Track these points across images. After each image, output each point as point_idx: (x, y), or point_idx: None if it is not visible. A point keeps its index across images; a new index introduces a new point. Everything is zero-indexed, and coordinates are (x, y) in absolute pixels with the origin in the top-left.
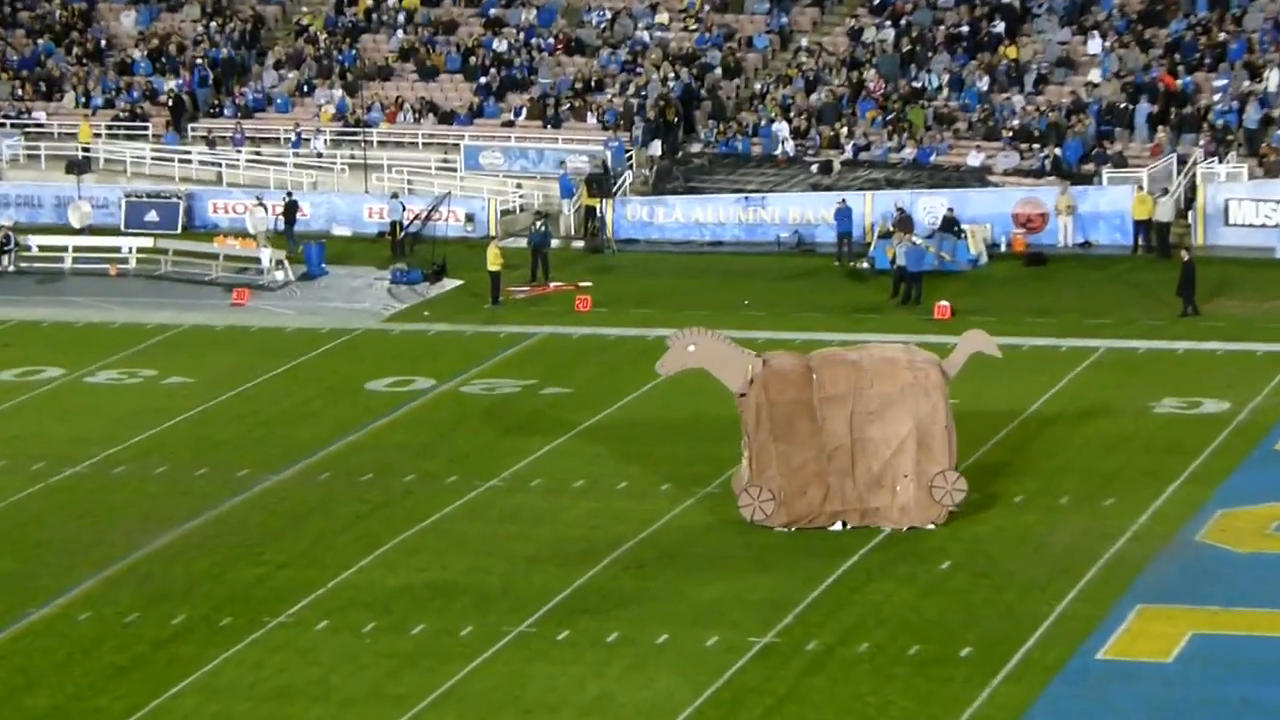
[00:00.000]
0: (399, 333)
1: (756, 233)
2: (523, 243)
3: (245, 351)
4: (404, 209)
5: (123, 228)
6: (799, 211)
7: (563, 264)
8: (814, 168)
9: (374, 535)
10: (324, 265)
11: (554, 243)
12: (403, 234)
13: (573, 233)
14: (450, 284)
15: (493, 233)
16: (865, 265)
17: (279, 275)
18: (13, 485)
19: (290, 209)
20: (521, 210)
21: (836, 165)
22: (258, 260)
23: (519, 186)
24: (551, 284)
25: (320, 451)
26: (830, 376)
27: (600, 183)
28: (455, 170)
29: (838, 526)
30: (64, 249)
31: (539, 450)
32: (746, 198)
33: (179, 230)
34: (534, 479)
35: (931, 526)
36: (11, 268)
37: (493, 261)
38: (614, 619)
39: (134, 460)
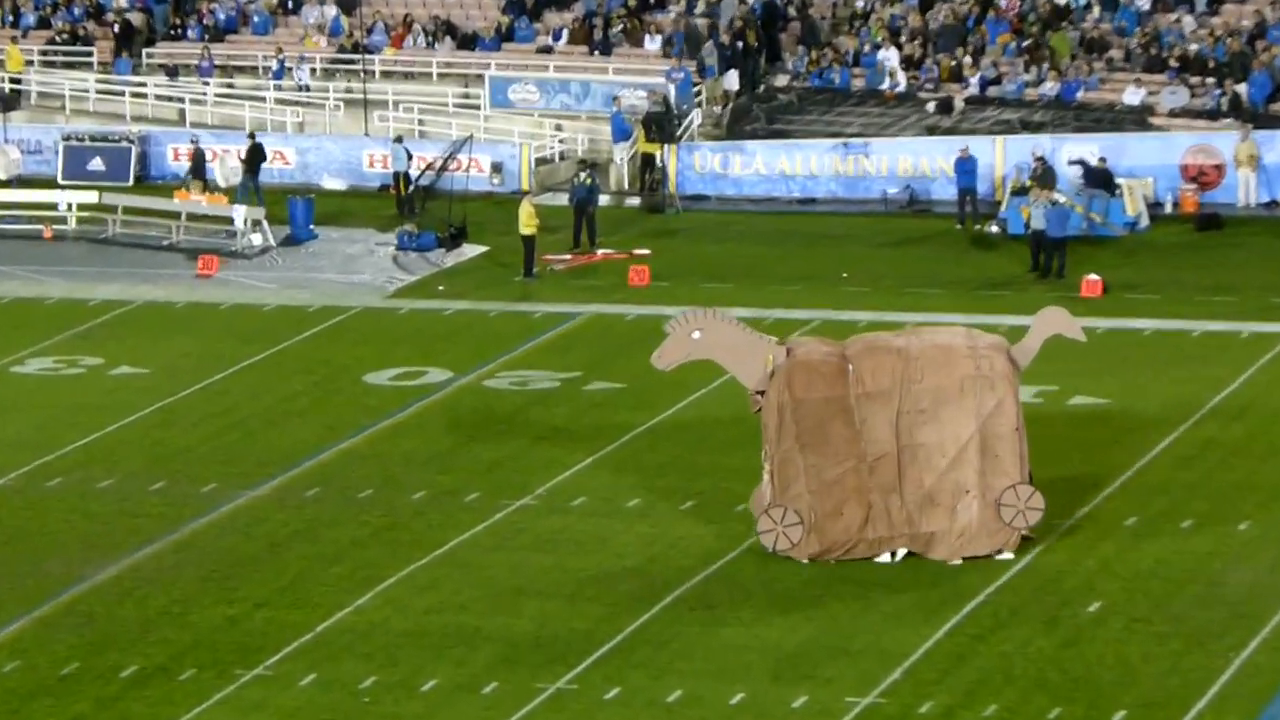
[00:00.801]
0: (406, 311)
1: (857, 188)
2: (564, 199)
3: (213, 335)
4: (411, 157)
5: (60, 179)
6: (911, 161)
7: (613, 226)
8: (930, 106)
9: (375, 567)
10: (312, 227)
11: (603, 199)
12: (411, 188)
13: (626, 187)
14: (471, 251)
15: (526, 187)
16: (994, 229)
17: (256, 239)
18: None
19: (255, 154)
20: (562, 159)
21: (958, 103)
22: (229, 220)
23: (558, 129)
24: (599, 251)
25: (307, 461)
26: (870, 368)
27: (661, 124)
28: (478, 108)
29: (885, 558)
30: None
31: (582, 461)
32: (845, 144)
33: (130, 182)
34: (576, 497)
35: (1005, 555)
36: None
37: (525, 223)
38: (676, 673)
39: (74, 471)
